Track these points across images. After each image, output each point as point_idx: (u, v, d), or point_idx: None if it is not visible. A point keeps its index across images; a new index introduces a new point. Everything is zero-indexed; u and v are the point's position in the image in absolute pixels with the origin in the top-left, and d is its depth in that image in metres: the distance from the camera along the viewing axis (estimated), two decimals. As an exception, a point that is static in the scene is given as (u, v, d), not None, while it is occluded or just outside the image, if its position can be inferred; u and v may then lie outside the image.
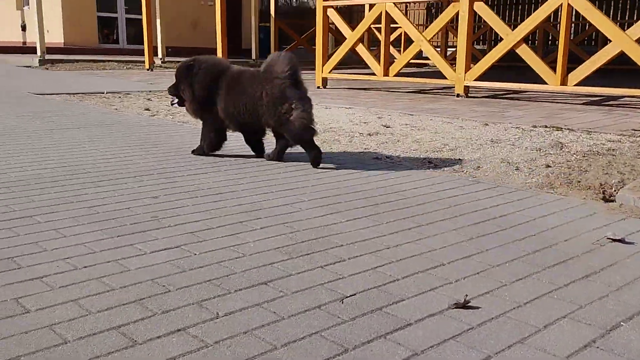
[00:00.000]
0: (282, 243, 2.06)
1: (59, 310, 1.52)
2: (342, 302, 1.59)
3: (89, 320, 1.46)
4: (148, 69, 11.43)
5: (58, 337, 1.38)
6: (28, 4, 15.76)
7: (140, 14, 15.61)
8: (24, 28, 16.28)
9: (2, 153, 3.47)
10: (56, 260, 1.86)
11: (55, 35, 14.75)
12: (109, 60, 12.83)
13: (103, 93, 7.26)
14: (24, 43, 16.03)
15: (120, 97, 6.98)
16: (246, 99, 3.27)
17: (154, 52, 11.97)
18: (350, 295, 1.64)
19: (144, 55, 11.85)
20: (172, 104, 3.60)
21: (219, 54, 9.96)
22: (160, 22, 12.93)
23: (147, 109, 5.86)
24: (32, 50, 13.42)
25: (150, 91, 7.69)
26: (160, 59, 13.10)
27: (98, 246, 1.99)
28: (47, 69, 11.52)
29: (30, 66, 12.02)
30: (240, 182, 2.93)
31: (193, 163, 3.36)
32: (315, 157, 3.30)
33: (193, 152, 3.62)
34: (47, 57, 12.28)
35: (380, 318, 1.50)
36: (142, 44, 12.98)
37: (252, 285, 1.69)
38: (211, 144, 3.53)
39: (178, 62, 12.43)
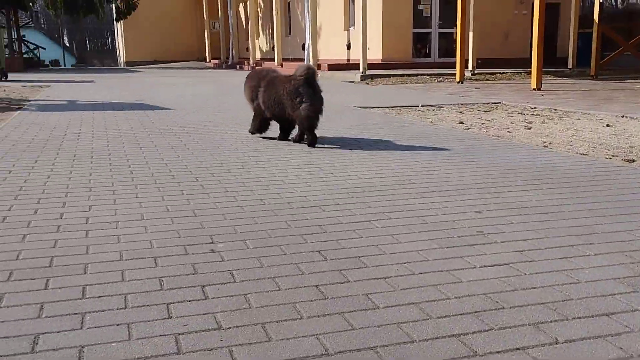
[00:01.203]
0: (622, 274, 1.91)
1: (403, 311, 1.68)
2: None
3: (431, 325, 1.59)
4: (458, 82, 11.66)
5: (406, 335, 1.53)
6: (354, 25, 17.54)
7: (452, 27, 16.03)
8: (348, 47, 18.17)
9: (339, 162, 3.95)
10: (395, 263, 2.06)
11: (375, 52, 16.09)
12: (421, 74, 13.48)
13: (418, 106, 7.66)
14: (348, 60, 17.87)
15: (434, 110, 7.29)
16: (275, 94, 4.55)
17: (464, 64, 12.15)
18: None
19: (453, 67, 12.13)
20: None
21: (534, 63, 9.60)
22: (473, 35, 13.06)
23: (461, 122, 6.00)
24: (354, 66, 14.89)
25: (462, 104, 7.84)
26: (470, 71, 13.24)
27: (430, 255, 2.14)
28: (368, 83, 12.64)
29: (352, 81, 13.35)
30: (566, 203, 2.80)
31: (513, 179, 3.34)
32: (311, 141, 4.51)
33: (249, 130, 5.01)
34: (367, 72, 13.48)
35: None
36: (452, 56, 13.29)
37: (592, 315, 1.62)
38: (254, 128, 4.94)
39: (488, 74, 12.28)
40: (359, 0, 14.09)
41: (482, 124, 5.89)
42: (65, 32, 47.74)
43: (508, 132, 5.32)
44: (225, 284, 1.89)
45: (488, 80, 12.61)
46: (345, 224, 2.54)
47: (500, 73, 13.68)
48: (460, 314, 1.64)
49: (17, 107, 7.76)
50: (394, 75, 13.41)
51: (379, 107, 7.58)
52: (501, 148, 4.42)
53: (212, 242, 2.29)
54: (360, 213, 2.70)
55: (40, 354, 1.45)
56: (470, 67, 13.32)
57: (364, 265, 2.04)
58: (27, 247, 2.23)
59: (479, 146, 4.52)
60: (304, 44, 17.34)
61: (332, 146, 4.52)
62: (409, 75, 13.40)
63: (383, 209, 2.75)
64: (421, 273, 1.96)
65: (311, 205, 2.85)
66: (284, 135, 4.82)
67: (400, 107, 7.64)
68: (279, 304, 1.73)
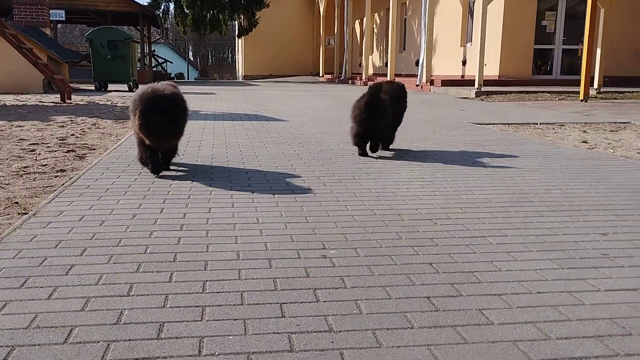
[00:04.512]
0: None
1: (519, 329, 1.61)
2: None
3: (549, 345, 1.51)
4: (582, 100, 11.05)
5: (522, 355, 1.47)
6: (471, 41, 17.19)
7: (577, 44, 15.24)
8: (464, 63, 17.83)
9: (452, 177, 3.87)
10: (511, 281, 1.98)
11: (492, 68, 15.66)
12: (540, 92, 12.92)
13: (537, 124, 7.35)
14: (463, 76, 17.52)
15: (554, 128, 6.95)
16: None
17: (589, 81, 11.51)
18: None
19: (576, 85, 11.53)
20: None
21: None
22: (601, 51, 12.34)
23: (585, 142, 5.67)
24: (469, 82, 14.56)
25: (585, 123, 7.42)
26: (596, 89, 12.50)
27: (549, 275, 2.04)
28: (482, 100, 12.31)
29: (467, 97, 13.06)
30: None
31: (643, 202, 3.11)
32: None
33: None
34: (483, 89, 13.14)
35: None
36: (576, 74, 12.62)
37: None
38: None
39: (616, 92, 11.53)
40: (478, 16, 13.82)
41: (609, 144, 5.54)
42: (190, 47, 50.87)
43: (638, 153, 4.97)
44: (336, 289, 1.91)
45: (616, 99, 11.84)
46: (458, 238, 2.48)
47: (629, 92, 12.80)
48: (583, 337, 1.55)
49: (146, 115, 8.35)
50: (511, 92, 12.96)
51: (494, 124, 7.36)
52: (630, 169, 4.13)
53: (324, 248, 2.33)
54: (474, 228, 2.63)
55: (164, 341, 1.55)
56: (595, 85, 12.58)
57: (477, 281, 1.99)
58: (154, 242, 2.39)
59: (604, 166, 4.26)
60: (417, 60, 17.24)
61: (444, 161, 4.44)
62: (527, 92, 12.89)
63: (498, 226, 2.67)
64: (539, 292, 1.88)
65: (422, 218, 2.82)
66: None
67: (517, 124, 7.37)
68: (389, 312, 1.73)
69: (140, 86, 4.13)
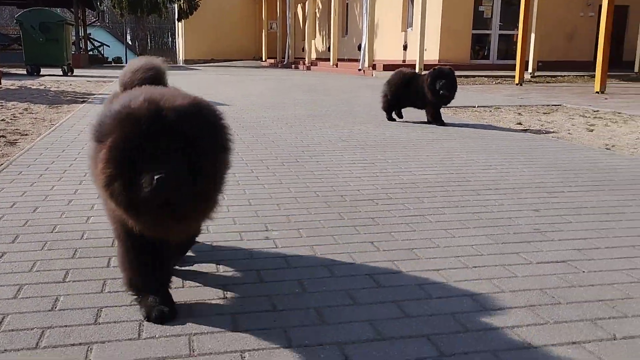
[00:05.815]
0: (687, 275, 1.84)
1: (456, 301, 1.67)
2: None
3: (485, 316, 1.57)
4: (517, 84, 11.40)
5: (460, 326, 1.52)
6: (411, 27, 17.41)
7: (513, 29, 15.68)
8: (405, 47, 18.05)
9: (392, 159, 3.94)
10: (448, 257, 2.04)
11: (432, 53, 15.91)
12: (478, 76, 13.25)
13: (475, 107, 7.54)
14: (404, 61, 17.74)
15: (491, 110, 7.16)
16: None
17: (524, 66, 11.88)
18: None
19: (513, 70, 11.87)
20: None
21: (598, 65, 9.27)
22: (535, 36, 12.74)
23: (519, 123, 5.87)
24: (410, 67, 14.77)
25: (520, 106, 7.67)
26: (530, 73, 12.92)
27: (485, 250, 2.11)
28: (423, 84, 12.51)
29: (408, 82, 13.25)
30: (628, 204, 2.71)
31: (573, 179, 3.25)
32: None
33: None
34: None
35: None
36: (512, 59, 12.99)
37: (654, 314, 1.57)
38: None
39: (549, 76, 11.91)
40: (418, 1, 14.00)
41: (542, 125, 5.75)
42: (128, 31, 49.33)
43: (569, 134, 5.18)
44: (279, 269, 1.92)
45: (549, 82, 12.28)
46: (398, 217, 2.53)
47: (561, 76, 13.31)
48: (515, 307, 1.62)
49: (82, 100, 8.08)
50: (450, 77, 13.22)
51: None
52: (561, 149, 4.31)
53: (267, 230, 2.33)
54: (414, 208, 2.69)
55: (102, 326, 1.52)
56: (530, 70, 13.00)
57: (416, 257, 2.03)
58: (91, 228, 2.33)
59: (537, 147, 4.42)
60: (360, 45, 17.33)
61: (385, 143, 4.51)
62: (466, 76, 13.17)
63: (437, 205, 2.74)
64: (475, 267, 1.94)
65: (364, 198, 2.85)
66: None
67: (456, 107, 7.52)
68: (332, 290, 1.75)
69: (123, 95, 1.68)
